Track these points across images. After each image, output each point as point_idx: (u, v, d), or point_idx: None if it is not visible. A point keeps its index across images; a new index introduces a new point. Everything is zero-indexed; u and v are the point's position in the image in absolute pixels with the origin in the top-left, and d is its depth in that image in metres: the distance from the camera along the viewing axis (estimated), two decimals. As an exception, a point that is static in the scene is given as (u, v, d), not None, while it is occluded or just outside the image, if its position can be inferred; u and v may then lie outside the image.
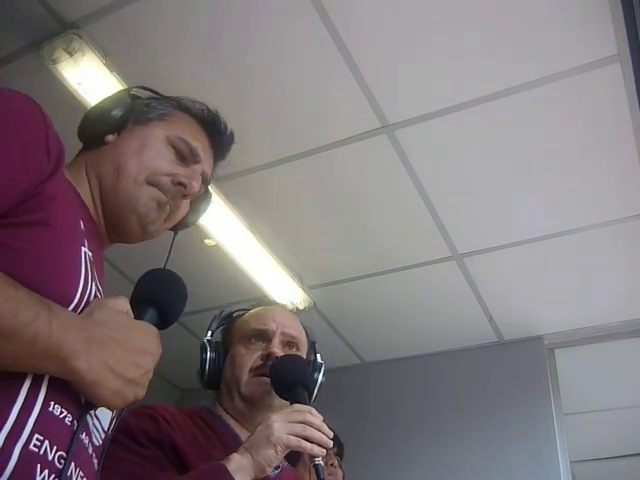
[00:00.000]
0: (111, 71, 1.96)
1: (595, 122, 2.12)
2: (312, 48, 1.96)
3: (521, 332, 3.17)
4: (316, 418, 1.19)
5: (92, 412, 0.84)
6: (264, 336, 1.41)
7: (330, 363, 3.58)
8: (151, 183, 1.01)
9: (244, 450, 1.13)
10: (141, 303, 0.92)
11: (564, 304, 2.97)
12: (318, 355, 1.50)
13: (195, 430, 1.27)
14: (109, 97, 1.08)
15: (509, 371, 3.15)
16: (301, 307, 2.97)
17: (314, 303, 2.99)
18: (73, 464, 0.78)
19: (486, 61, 1.97)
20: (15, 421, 0.71)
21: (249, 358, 1.37)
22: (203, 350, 1.41)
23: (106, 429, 0.89)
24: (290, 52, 1.99)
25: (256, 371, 1.35)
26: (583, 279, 2.79)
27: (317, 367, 1.47)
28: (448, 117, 2.13)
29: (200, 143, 1.11)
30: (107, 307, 0.83)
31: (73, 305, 0.80)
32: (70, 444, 0.77)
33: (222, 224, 2.51)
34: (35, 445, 0.72)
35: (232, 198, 2.45)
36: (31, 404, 0.73)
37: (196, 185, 1.06)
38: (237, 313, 1.51)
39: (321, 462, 1.17)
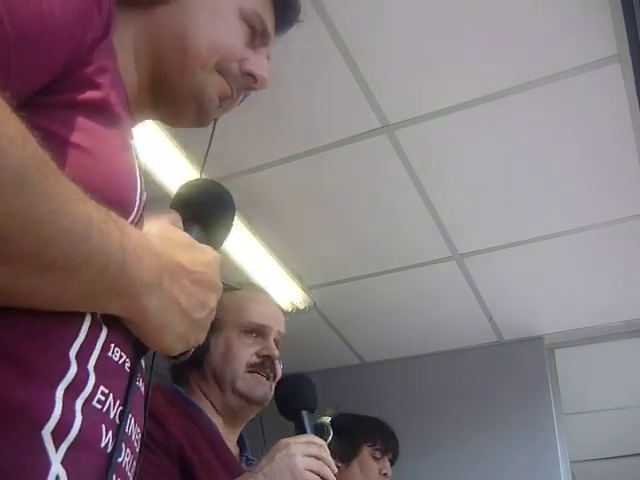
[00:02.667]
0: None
1: (595, 122, 2.12)
2: (312, 48, 1.96)
3: (521, 332, 3.17)
4: (328, 454, 1.19)
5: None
6: (262, 332, 1.39)
7: (330, 363, 3.58)
8: (220, 71, 0.82)
9: (263, 476, 1.11)
10: (185, 220, 0.77)
11: (564, 304, 2.97)
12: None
13: (189, 430, 1.23)
14: None
15: (509, 371, 3.15)
16: (301, 307, 2.96)
17: (314, 303, 2.99)
18: (131, 416, 0.65)
19: (486, 61, 1.97)
20: (77, 372, 0.57)
21: (245, 352, 1.34)
22: None
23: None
24: (290, 52, 1.98)
25: (252, 367, 1.33)
26: (583, 279, 2.79)
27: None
28: (448, 117, 2.13)
29: (270, 20, 0.89)
30: (165, 223, 0.70)
31: (132, 216, 0.64)
32: (126, 394, 0.63)
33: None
34: (99, 401, 0.59)
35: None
36: (89, 348, 0.59)
37: (267, 78, 0.87)
38: (226, 286, 1.48)
39: None
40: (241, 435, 1.40)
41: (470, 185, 2.39)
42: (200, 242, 0.74)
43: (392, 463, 2.51)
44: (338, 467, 1.30)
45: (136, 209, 0.65)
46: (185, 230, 0.74)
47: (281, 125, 2.22)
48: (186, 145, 2.22)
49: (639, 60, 1.84)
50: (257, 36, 0.86)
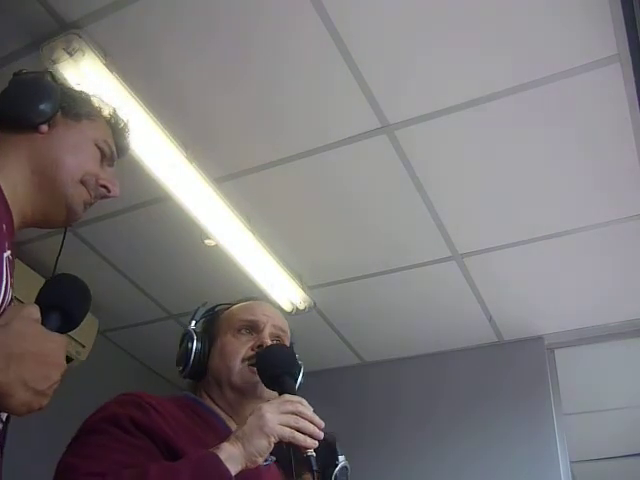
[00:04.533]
0: (111, 71, 1.96)
1: (595, 122, 2.12)
2: (312, 48, 1.96)
3: (521, 332, 3.17)
4: (307, 409, 1.17)
5: None
6: (254, 327, 1.39)
7: (330, 363, 3.58)
8: (83, 183, 1.11)
9: (235, 439, 1.10)
10: (47, 308, 0.96)
11: (564, 304, 2.97)
12: (297, 355, 1.46)
13: (188, 421, 1.24)
14: (33, 80, 1.13)
15: (509, 371, 3.15)
16: (301, 307, 2.97)
17: (314, 303, 2.99)
18: None
19: (486, 61, 1.97)
20: None
21: (240, 348, 1.35)
22: (189, 339, 1.37)
23: None
24: (290, 52, 1.99)
25: (248, 361, 1.33)
26: (583, 279, 2.79)
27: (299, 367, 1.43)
28: (448, 117, 2.13)
29: (114, 147, 1.21)
30: (23, 317, 0.88)
31: None
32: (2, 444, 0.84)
33: (222, 224, 2.51)
34: None
35: (232, 198, 2.45)
36: None
37: (117, 190, 1.17)
38: (222, 306, 1.49)
39: (313, 453, 1.15)
40: None
41: (470, 185, 2.39)
42: (58, 325, 0.95)
43: None
44: None
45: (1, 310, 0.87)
46: (45, 316, 0.93)
47: (281, 125, 2.22)
48: (187, 146, 2.22)
49: (639, 60, 1.84)
50: (106, 158, 1.17)
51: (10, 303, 0.95)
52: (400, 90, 2.08)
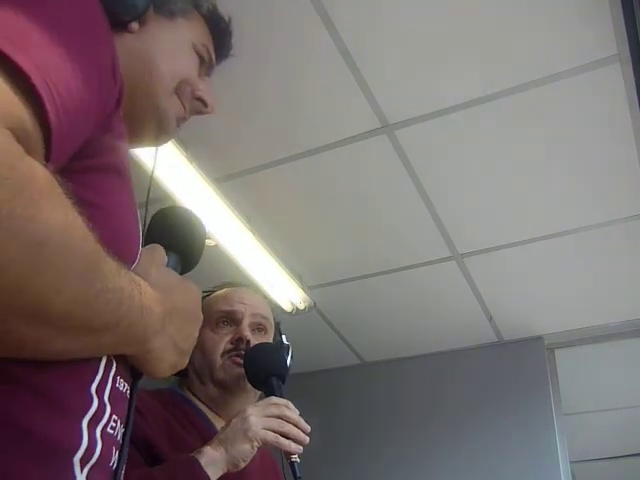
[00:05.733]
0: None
1: (595, 122, 2.12)
2: (312, 48, 1.96)
3: (521, 332, 3.17)
4: (293, 413, 1.15)
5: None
6: (233, 318, 1.36)
7: (330, 363, 3.59)
8: (177, 94, 0.94)
9: (218, 443, 1.08)
10: (165, 248, 0.86)
11: (564, 304, 2.97)
12: (284, 337, 1.43)
13: (170, 419, 1.21)
14: None
15: (509, 371, 3.15)
16: (301, 307, 2.96)
17: (314, 303, 2.99)
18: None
19: (486, 61, 1.97)
20: (98, 405, 0.67)
21: (220, 342, 1.32)
22: None
23: None
24: (290, 52, 1.99)
25: (228, 354, 1.30)
26: (583, 279, 2.79)
27: (285, 349, 1.39)
28: (448, 117, 2.13)
29: (213, 53, 1.02)
30: (158, 265, 0.80)
31: (135, 264, 0.75)
32: (128, 416, 0.74)
33: (222, 224, 2.51)
34: (112, 427, 0.69)
35: (232, 198, 2.45)
36: (104, 382, 0.69)
37: (215, 105, 0.99)
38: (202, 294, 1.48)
39: (297, 459, 1.14)
40: None
41: (470, 185, 2.39)
42: (176, 267, 0.87)
43: None
44: None
45: (138, 257, 0.76)
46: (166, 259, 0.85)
47: (281, 125, 2.22)
48: (187, 146, 2.22)
49: (639, 60, 1.84)
50: (204, 66, 0.99)
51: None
52: (400, 90, 2.08)
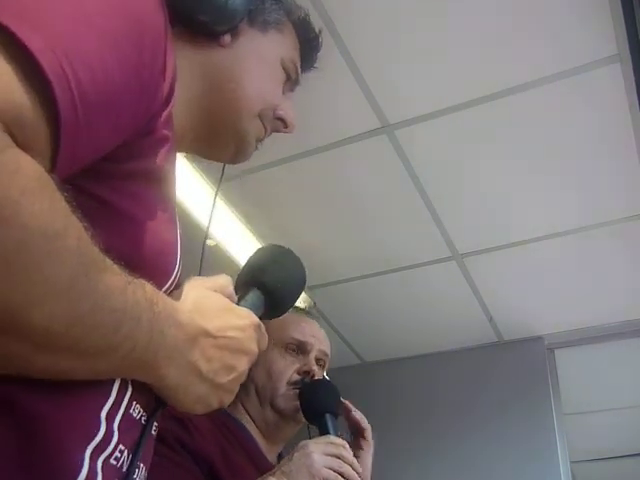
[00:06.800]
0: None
1: (595, 122, 2.12)
2: (312, 48, 1.96)
3: (521, 332, 3.17)
4: (349, 454, 1.20)
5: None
6: (302, 349, 1.41)
7: (330, 363, 3.57)
8: (261, 116, 0.88)
9: (281, 474, 1.12)
10: (245, 283, 0.78)
11: (564, 304, 2.97)
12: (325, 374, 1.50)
13: (224, 442, 1.23)
14: None
15: (509, 371, 3.15)
16: (301, 307, 2.96)
17: (314, 303, 2.99)
18: (139, 463, 0.67)
19: (486, 61, 1.97)
20: (104, 434, 0.59)
21: (287, 370, 1.36)
22: None
23: None
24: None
25: (293, 385, 1.35)
26: (583, 279, 2.79)
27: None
28: (448, 117, 2.13)
29: (300, 67, 0.96)
30: (204, 287, 0.71)
31: (168, 285, 0.67)
32: (138, 445, 0.65)
33: (222, 224, 2.51)
34: (116, 458, 0.61)
35: (232, 198, 2.45)
36: (117, 407, 0.62)
37: (294, 124, 0.95)
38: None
39: None
40: (280, 454, 1.42)
41: (470, 185, 2.39)
42: (256, 307, 0.77)
43: None
44: None
45: (173, 277, 0.68)
46: (241, 291, 0.76)
47: (281, 125, 2.22)
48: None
49: (639, 60, 1.84)
50: (289, 82, 0.94)
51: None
52: (400, 90, 2.08)
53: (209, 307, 0.69)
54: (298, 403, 1.31)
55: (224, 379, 0.68)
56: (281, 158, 2.34)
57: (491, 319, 3.09)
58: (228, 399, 0.71)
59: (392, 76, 2.03)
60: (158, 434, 0.91)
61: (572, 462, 3.12)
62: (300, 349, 1.40)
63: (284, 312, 0.86)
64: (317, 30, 0.98)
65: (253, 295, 0.77)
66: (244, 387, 1.33)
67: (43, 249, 0.48)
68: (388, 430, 3.25)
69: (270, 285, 0.80)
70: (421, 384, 3.31)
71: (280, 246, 0.92)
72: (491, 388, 3.14)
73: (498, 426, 3.05)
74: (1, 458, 0.53)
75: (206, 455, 1.15)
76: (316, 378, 1.37)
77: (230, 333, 0.69)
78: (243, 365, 0.71)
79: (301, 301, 2.95)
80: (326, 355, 1.45)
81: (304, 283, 0.88)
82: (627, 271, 2.73)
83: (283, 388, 1.33)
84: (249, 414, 1.35)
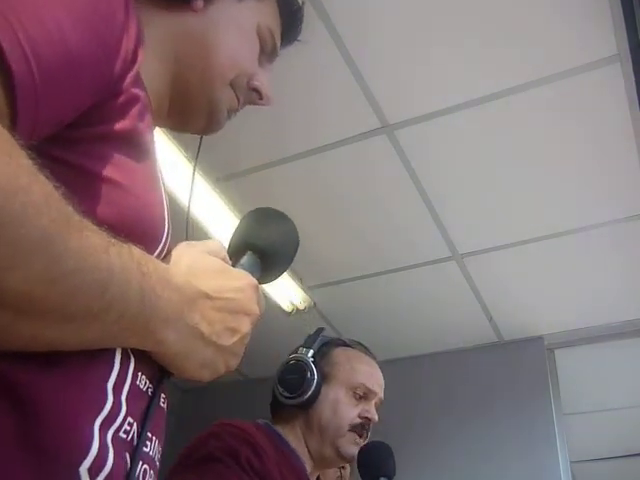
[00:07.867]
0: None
1: (595, 122, 2.12)
2: (312, 48, 1.96)
3: (521, 332, 3.17)
4: None
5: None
6: (368, 395, 1.48)
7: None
8: (233, 85, 0.84)
9: None
10: (238, 248, 0.76)
11: (564, 304, 2.97)
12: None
13: (282, 467, 1.28)
14: None
15: (509, 371, 3.15)
16: (301, 307, 2.97)
17: (314, 303, 2.99)
18: (150, 435, 0.64)
19: (486, 61, 1.97)
20: (112, 405, 0.57)
21: (351, 412, 1.43)
22: (309, 370, 1.40)
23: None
24: (290, 52, 1.98)
25: (354, 429, 1.42)
26: (583, 279, 2.79)
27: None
28: (448, 117, 2.13)
29: (279, 37, 0.92)
30: (197, 251, 0.69)
31: (159, 249, 0.65)
32: (145, 417, 0.63)
33: (222, 224, 2.51)
34: (125, 431, 0.59)
35: (232, 198, 2.45)
36: (122, 379, 0.60)
37: (272, 97, 0.90)
38: (339, 341, 1.57)
39: None
40: (318, 477, 1.53)
41: (470, 185, 2.39)
42: (252, 270, 0.75)
43: None
44: None
45: (163, 241, 0.66)
46: (236, 257, 0.74)
47: (281, 125, 2.22)
48: (187, 146, 2.22)
49: (639, 60, 1.84)
50: (265, 53, 0.89)
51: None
52: (400, 90, 2.08)
53: (204, 270, 0.67)
54: (355, 454, 1.41)
55: (229, 341, 0.66)
56: (281, 158, 2.34)
57: (491, 319, 3.09)
58: (235, 362, 0.69)
59: (392, 76, 2.03)
60: (232, 452, 0.95)
61: (572, 462, 3.12)
62: (366, 395, 1.48)
63: (280, 275, 0.84)
64: (300, 1, 0.95)
65: (248, 258, 0.76)
66: (306, 417, 1.40)
67: (6, 208, 0.44)
68: (387, 429, 3.24)
69: (264, 247, 0.78)
70: (421, 384, 3.30)
71: (268, 208, 0.89)
72: (491, 388, 3.14)
73: (498, 426, 3.04)
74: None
75: (271, 477, 1.21)
76: (377, 440, 1.48)
77: (229, 294, 0.67)
78: (246, 326, 0.69)
79: (301, 301, 2.95)
80: (382, 402, 1.54)
81: (297, 243, 0.87)
82: (627, 271, 2.73)
83: (345, 429, 1.40)
84: (306, 443, 1.40)
